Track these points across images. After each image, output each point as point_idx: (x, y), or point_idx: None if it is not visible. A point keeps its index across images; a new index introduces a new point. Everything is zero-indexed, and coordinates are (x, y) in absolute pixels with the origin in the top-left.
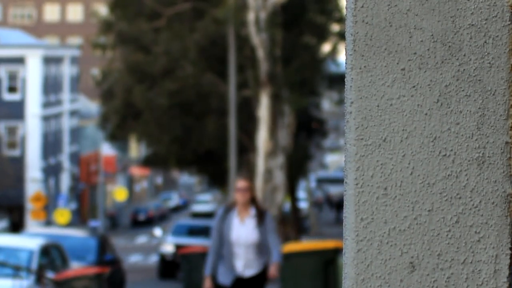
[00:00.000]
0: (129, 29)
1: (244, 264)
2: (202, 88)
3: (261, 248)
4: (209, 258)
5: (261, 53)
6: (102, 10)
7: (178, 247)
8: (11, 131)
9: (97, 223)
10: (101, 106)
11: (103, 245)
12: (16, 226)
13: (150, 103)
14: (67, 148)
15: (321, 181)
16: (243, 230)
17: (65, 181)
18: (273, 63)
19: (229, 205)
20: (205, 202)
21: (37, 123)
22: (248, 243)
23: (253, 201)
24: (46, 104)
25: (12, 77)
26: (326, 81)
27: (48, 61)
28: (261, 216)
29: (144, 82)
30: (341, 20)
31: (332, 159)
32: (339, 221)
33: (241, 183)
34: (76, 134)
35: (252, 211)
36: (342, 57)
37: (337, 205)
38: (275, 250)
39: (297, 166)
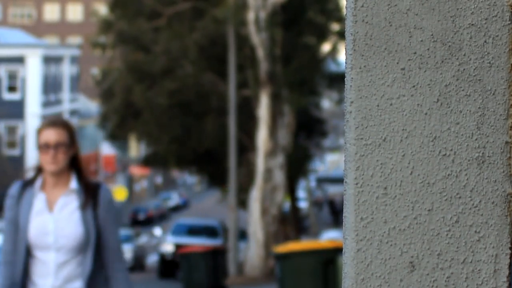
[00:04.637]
0: (129, 28)
1: (53, 285)
2: (202, 88)
3: (90, 254)
4: None
5: (261, 53)
6: (102, 9)
7: (178, 246)
8: (11, 130)
9: None
10: (101, 105)
11: None
12: None
13: (149, 103)
14: None
15: (321, 181)
16: (51, 219)
17: None
18: (273, 63)
19: (30, 178)
20: None
21: (37, 123)
22: (62, 244)
23: (74, 165)
24: (46, 104)
25: (12, 76)
26: (326, 81)
27: (48, 60)
28: (89, 193)
29: (144, 82)
30: (341, 19)
31: (332, 159)
32: (338, 223)
33: (48, 134)
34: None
35: (73, 185)
36: (342, 56)
37: (339, 210)
38: (120, 276)
39: (297, 166)
